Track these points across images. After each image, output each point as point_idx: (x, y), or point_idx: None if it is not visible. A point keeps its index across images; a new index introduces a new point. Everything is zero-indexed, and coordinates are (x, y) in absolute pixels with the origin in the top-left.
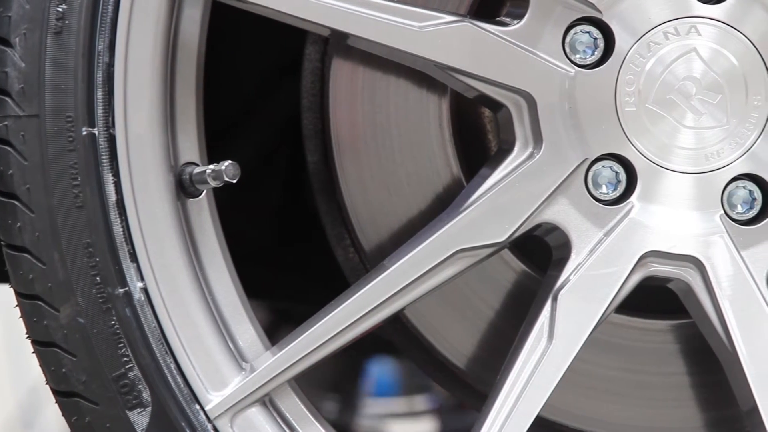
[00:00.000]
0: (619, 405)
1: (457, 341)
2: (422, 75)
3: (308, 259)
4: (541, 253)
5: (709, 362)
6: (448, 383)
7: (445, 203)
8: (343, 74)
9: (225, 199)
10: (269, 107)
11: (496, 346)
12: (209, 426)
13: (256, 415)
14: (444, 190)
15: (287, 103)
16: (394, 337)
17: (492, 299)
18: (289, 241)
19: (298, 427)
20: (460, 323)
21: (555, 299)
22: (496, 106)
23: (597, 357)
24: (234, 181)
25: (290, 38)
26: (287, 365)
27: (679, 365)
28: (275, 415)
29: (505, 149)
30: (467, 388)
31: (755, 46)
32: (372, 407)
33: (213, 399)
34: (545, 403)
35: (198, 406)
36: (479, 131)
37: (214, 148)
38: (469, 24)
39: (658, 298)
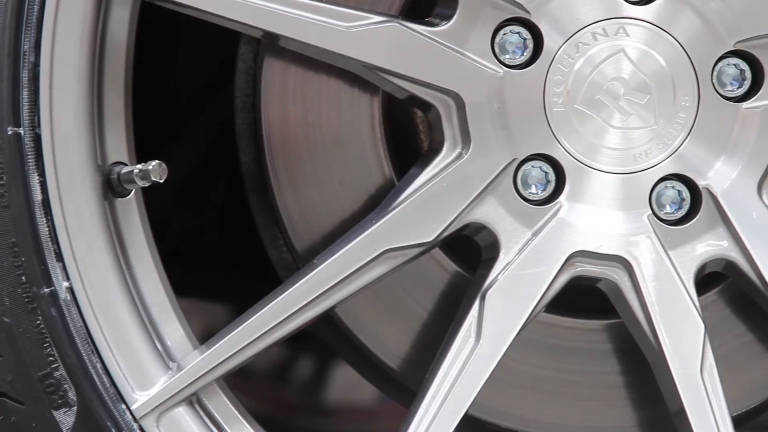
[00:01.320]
0: (551, 404)
1: (389, 341)
2: (354, 75)
3: (254, 257)
4: (475, 253)
5: (641, 361)
6: (381, 383)
7: (376, 203)
8: (274, 74)
9: (170, 200)
10: (213, 107)
11: (429, 346)
12: (135, 426)
13: (183, 414)
14: (376, 190)
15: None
16: (328, 336)
17: (425, 300)
18: (235, 240)
19: (226, 427)
20: (392, 323)
21: (483, 298)
22: (425, 106)
23: (529, 357)
24: (161, 181)
25: (233, 40)
26: (214, 364)
27: (611, 365)
28: (203, 414)
29: (434, 149)
30: (400, 388)
31: (683, 48)
32: None
33: (139, 398)
34: (476, 402)
35: (124, 406)
36: (411, 131)
37: (159, 149)
38: (397, 24)
39: (592, 297)
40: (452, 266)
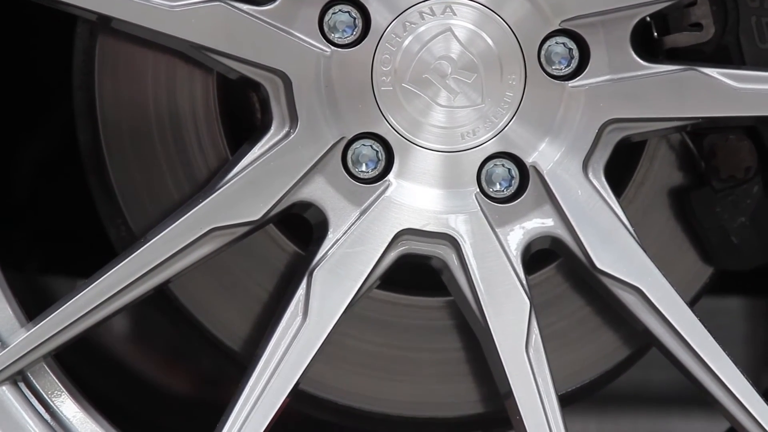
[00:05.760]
0: (390, 381)
1: (229, 322)
2: None
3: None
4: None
5: None
6: (223, 361)
7: None
8: (108, 52)
9: (36, 179)
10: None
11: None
12: None
13: (5, 393)
14: (212, 168)
15: None
16: (166, 315)
17: (264, 280)
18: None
19: (53, 405)
20: (232, 304)
21: (311, 276)
22: (254, 85)
23: (367, 334)
24: None
25: None
26: (40, 341)
27: (450, 341)
28: (29, 393)
29: (264, 127)
30: (241, 367)
31: (509, 26)
32: None
33: None
34: (313, 380)
35: None
36: (248, 109)
37: (25, 129)
38: (221, 4)
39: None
40: (291, 246)
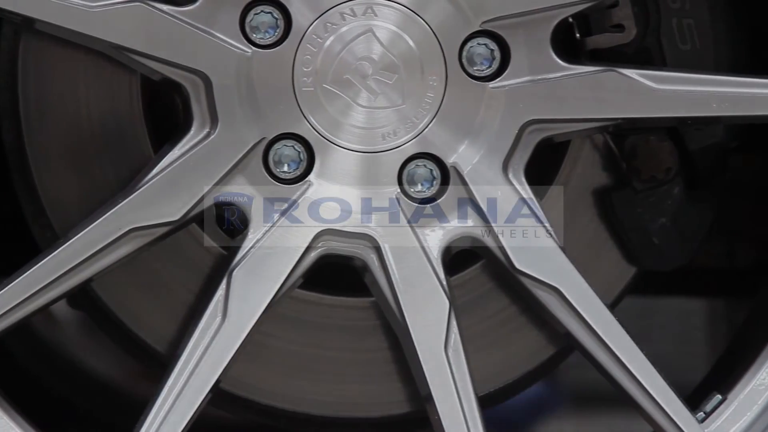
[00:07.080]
0: (314, 382)
1: (154, 324)
2: None
3: None
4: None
5: None
6: (149, 363)
7: None
8: (33, 52)
9: None
10: None
11: None
12: None
13: None
14: (135, 169)
15: None
16: (92, 315)
17: (190, 282)
18: None
19: None
20: (156, 306)
21: (230, 276)
22: (175, 86)
23: (288, 334)
24: None
25: None
26: None
27: (374, 341)
28: None
29: (184, 128)
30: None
31: (430, 27)
32: None
33: None
34: (236, 380)
35: None
36: (171, 109)
37: None
38: (141, 4)
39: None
40: (217, 249)
